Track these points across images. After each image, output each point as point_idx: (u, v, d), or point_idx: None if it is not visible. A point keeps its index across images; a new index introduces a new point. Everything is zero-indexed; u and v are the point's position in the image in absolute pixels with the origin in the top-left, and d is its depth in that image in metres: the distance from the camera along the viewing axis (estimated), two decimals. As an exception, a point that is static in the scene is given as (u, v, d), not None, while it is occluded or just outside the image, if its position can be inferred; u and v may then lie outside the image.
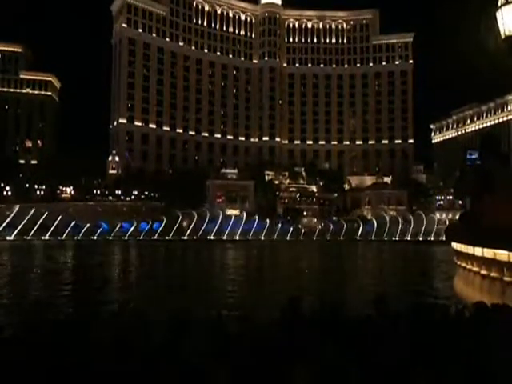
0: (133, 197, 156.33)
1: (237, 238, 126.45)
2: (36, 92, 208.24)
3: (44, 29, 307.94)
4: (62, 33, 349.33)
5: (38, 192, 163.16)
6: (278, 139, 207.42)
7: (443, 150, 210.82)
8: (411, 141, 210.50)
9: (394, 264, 58.83)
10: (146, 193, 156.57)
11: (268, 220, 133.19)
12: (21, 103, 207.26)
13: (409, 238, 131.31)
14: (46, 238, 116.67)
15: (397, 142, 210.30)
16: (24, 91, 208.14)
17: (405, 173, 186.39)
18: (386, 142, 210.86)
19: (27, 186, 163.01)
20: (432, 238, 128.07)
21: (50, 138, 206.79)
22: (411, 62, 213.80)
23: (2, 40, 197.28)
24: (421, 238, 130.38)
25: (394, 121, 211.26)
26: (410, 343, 6.35)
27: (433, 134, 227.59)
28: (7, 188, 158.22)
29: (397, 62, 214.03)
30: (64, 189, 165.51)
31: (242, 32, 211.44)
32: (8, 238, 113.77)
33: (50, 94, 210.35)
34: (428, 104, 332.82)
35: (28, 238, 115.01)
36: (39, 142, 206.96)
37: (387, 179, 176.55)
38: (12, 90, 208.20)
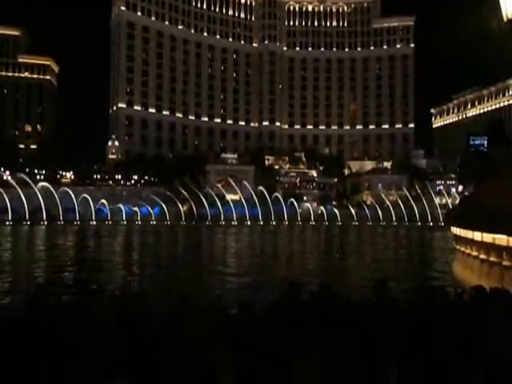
0: (133, 181, 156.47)
1: (235, 223, 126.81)
2: (35, 76, 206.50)
3: (42, 12, 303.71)
4: (61, 16, 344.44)
5: (38, 177, 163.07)
6: (278, 124, 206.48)
7: (444, 135, 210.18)
8: (412, 125, 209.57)
9: (393, 248, 59.22)
10: (146, 177, 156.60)
11: (268, 204, 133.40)
12: (19, 87, 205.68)
13: (407, 223, 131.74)
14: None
15: (397, 126, 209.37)
16: (23, 75, 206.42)
17: (405, 158, 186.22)
18: (386, 126, 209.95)
19: (27, 170, 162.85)
20: (431, 223, 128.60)
21: (50, 122, 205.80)
22: (412, 45, 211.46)
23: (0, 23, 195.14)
24: (419, 223, 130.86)
25: (394, 105, 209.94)
26: (411, 328, 6.47)
27: (433, 118, 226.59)
28: (7, 173, 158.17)
29: (398, 46, 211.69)
30: (64, 174, 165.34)
31: (242, 15, 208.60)
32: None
33: (48, 77, 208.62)
34: (429, 88, 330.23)
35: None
36: (38, 126, 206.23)
37: (387, 164, 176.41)
38: (10, 74, 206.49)
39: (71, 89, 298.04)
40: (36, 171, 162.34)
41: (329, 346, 6.02)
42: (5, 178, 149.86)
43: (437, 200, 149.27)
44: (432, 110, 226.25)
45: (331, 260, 44.14)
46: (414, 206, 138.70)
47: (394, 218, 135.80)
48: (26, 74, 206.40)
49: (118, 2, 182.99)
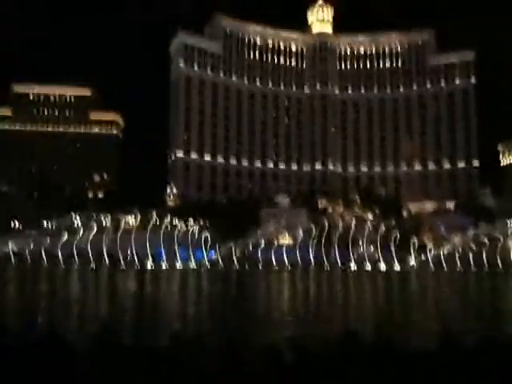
0: (189, 227, 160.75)
1: (288, 267, 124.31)
2: (103, 131, 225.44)
3: (109, 70, 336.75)
4: (126, 72, 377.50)
5: (104, 223, 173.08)
6: (330, 166, 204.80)
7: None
8: (476, 163, 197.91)
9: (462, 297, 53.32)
10: (202, 222, 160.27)
11: (322, 249, 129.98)
12: (90, 141, 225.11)
13: (474, 269, 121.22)
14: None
15: (459, 165, 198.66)
16: (93, 130, 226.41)
17: (469, 197, 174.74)
18: (447, 165, 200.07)
19: (94, 216, 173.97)
20: (502, 269, 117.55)
21: (115, 172, 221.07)
22: (473, 80, 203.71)
23: (73, 84, 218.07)
24: (488, 269, 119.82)
25: (455, 143, 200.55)
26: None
27: (501, 155, 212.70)
28: (77, 218, 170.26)
29: (457, 82, 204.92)
30: (126, 219, 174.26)
31: (293, 62, 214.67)
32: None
33: (115, 132, 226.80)
34: (494, 124, 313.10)
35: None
36: (105, 175, 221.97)
37: (450, 204, 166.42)
38: (83, 129, 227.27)
39: (135, 140, 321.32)
40: (102, 217, 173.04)
41: None
42: (75, 224, 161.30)
43: (510, 243, 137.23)
44: (499, 147, 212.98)
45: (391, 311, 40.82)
46: (483, 249, 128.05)
47: (458, 264, 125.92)
48: (96, 129, 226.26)
49: (177, 58, 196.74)
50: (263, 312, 36.14)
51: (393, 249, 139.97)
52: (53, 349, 6.36)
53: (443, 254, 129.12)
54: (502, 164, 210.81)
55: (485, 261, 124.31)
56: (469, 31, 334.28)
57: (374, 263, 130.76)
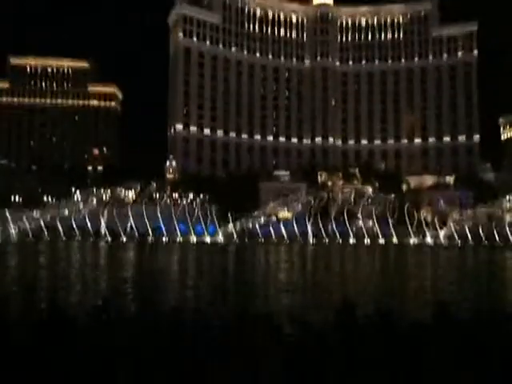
0: (188, 200, 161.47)
1: (286, 241, 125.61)
2: (102, 103, 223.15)
3: (108, 43, 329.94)
4: (124, 45, 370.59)
5: (103, 197, 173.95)
6: (331, 140, 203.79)
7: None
8: (477, 137, 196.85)
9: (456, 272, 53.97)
10: (201, 196, 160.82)
11: (320, 222, 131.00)
12: (88, 114, 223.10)
13: (472, 243, 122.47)
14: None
15: (460, 139, 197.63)
16: (91, 103, 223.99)
17: (470, 172, 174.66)
18: (447, 139, 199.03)
19: (94, 190, 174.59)
20: (501, 243, 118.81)
21: (114, 145, 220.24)
22: (476, 53, 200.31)
23: (71, 56, 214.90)
24: (486, 242, 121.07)
25: (456, 116, 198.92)
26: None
27: (502, 129, 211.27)
28: (77, 192, 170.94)
29: (459, 54, 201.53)
30: (126, 193, 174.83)
31: (294, 34, 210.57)
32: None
33: (113, 104, 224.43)
34: (495, 97, 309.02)
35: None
36: (105, 149, 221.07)
37: (450, 179, 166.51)
38: (81, 102, 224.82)
39: (133, 113, 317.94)
40: (102, 191, 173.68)
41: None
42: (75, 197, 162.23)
43: (507, 217, 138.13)
44: (500, 121, 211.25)
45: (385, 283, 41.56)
46: (480, 224, 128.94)
47: (456, 238, 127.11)
48: (95, 101, 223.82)
49: (176, 29, 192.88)
50: (260, 283, 36.90)
51: (391, 222, 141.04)
52: None
53: (441, 229, 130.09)
54: (502, 138, 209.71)
55: (482, 235, 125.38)
56: (472, 2, 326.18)
57: (373, 237, 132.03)
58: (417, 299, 28.42)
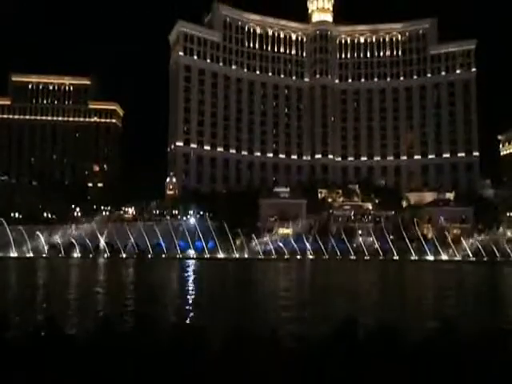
0: (188, 216, 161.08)
1: (287, 257, 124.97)
2: (102, 120, 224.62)
3: (108, 60, 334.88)
4: (125, 62, 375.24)
5: (104, 213, 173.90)
6: (330, 156, 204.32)
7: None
8: (476, 154, 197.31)
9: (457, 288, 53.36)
10: (201, 212, 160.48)
11: (319, 239, 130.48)
12: (89, 130, 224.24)
13: (472, 257, 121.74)
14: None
15: (460, 155, 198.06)
16: (92, 120, 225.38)
17: (469, 188, 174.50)
18: (447, 155, 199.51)
19: (94, 207, 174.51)
20: (499, 259, 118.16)
21: (115, 162, 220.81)
22: (474, 70, 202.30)
23: (72, 73, 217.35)
24: (486, 259, 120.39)
25: (455, 133, 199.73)
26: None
27: (501, 145, 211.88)
28: (77, 209, 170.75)
29: (458, 72, 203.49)
30: (126, 210, 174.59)
31: (294, 52, 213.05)
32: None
33: (114, 121, 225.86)
34: (494, 114, 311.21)
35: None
36: (105, 166, 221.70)
37: (449, 195, 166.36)
38: (82, 119, 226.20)
39: (135, 129, 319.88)
40: (102, 208, 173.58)
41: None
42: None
43: (508, 233, 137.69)
44: (499, 137, 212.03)
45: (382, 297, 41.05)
46: (480, 239, 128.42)
47: (456, 254, 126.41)
48: (95, 118, 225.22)
49: (176, 47, 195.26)
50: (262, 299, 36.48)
51: (390, 239, 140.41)
52: None
53: (441, 244, 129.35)
54: (501, 154, 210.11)
55: (482, 251, 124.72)
56: (470, 21, 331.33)
57: (373, 252, 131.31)
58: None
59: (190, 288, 48.67)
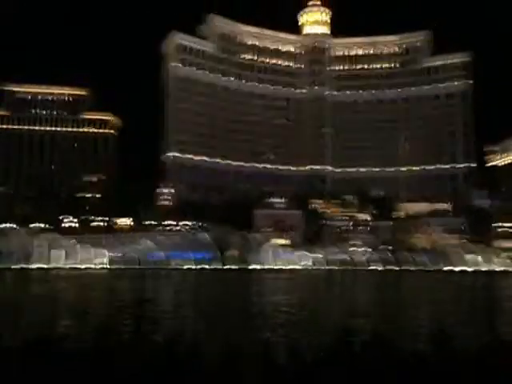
0: (182, 227, 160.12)
1: (283, 267, 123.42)
2: (99, 130, 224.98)
3: (103, 71, 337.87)
4: (121, 73, 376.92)
5: (101, 223, 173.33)
6: (328, 167, 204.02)
7: (510, 173, 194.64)
8: (473, 165, 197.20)
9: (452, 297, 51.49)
10: (195, 223, 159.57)
11: (313, 249, 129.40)
12: (86, 141, 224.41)
13: (468, 268, 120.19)
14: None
15: (457, 166, 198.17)
16: (89, 130, 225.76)
17: (466, 199, 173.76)
18: (445, 166, 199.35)
19: (91, 218, 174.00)
20: (496, 268, 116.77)
21: (111, 172, 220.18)
22: (471, 81, 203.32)
23: (69, 84, 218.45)
24: (483, 269, 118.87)
25: (453, 144, 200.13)
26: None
27: (498, 156, 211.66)
28: (74, 220, 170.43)
29: (455, 83, 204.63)
30: (121, 220, 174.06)
31: (291, 63, 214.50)
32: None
33: (111, 131, 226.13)
34: (492, 125, 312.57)
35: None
36: (102, 176, 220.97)
37: (446, 206, 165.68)
38: (80, 129, 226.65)
39: (131, 140, 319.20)
40: (99, 218, 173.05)
41: None
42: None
43: (504, 244, 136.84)
44: (496, 148, 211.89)
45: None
46: (476, 250, 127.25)
47: (453, 264, 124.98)
48: (93, 129, 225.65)
49: (171, 58, 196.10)
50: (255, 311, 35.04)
51: (388, 249, 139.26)
52: None
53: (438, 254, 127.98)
54: (498, 165, 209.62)
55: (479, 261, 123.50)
56: (466, 33, 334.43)
57: (370, 263, 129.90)
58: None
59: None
